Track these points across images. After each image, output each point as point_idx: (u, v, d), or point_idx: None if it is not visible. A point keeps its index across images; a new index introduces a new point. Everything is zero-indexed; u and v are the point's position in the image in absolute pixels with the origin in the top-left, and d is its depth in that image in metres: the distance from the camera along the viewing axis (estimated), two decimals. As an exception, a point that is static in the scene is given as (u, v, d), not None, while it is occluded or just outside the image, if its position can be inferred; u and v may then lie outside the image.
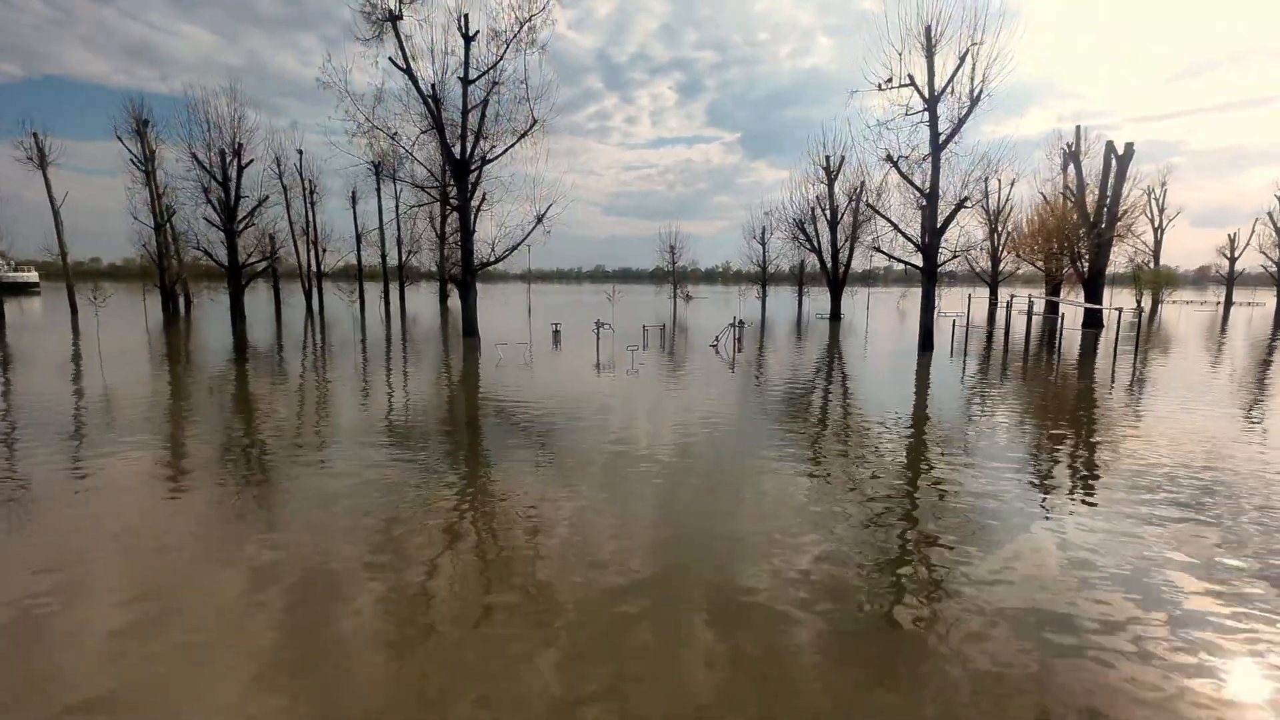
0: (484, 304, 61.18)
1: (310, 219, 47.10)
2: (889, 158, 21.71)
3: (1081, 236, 31.87)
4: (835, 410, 12.75)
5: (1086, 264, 31.95)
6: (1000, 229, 38.41)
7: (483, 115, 23.85)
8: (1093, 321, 31.15)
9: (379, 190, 46.58)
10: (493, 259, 25.75)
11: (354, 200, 49.85)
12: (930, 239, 21.79)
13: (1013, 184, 39.30)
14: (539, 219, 25.05)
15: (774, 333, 29.04)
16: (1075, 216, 32.06)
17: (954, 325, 25.85)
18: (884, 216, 22.52)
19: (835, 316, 35.65)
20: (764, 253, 50.30)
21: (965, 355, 20.82)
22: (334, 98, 23.32)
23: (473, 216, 25.28)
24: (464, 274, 25.00)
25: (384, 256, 49.64)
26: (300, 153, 46.47)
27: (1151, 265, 53.87)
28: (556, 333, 23.84)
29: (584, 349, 21.11)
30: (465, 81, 23.49)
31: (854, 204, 34.84)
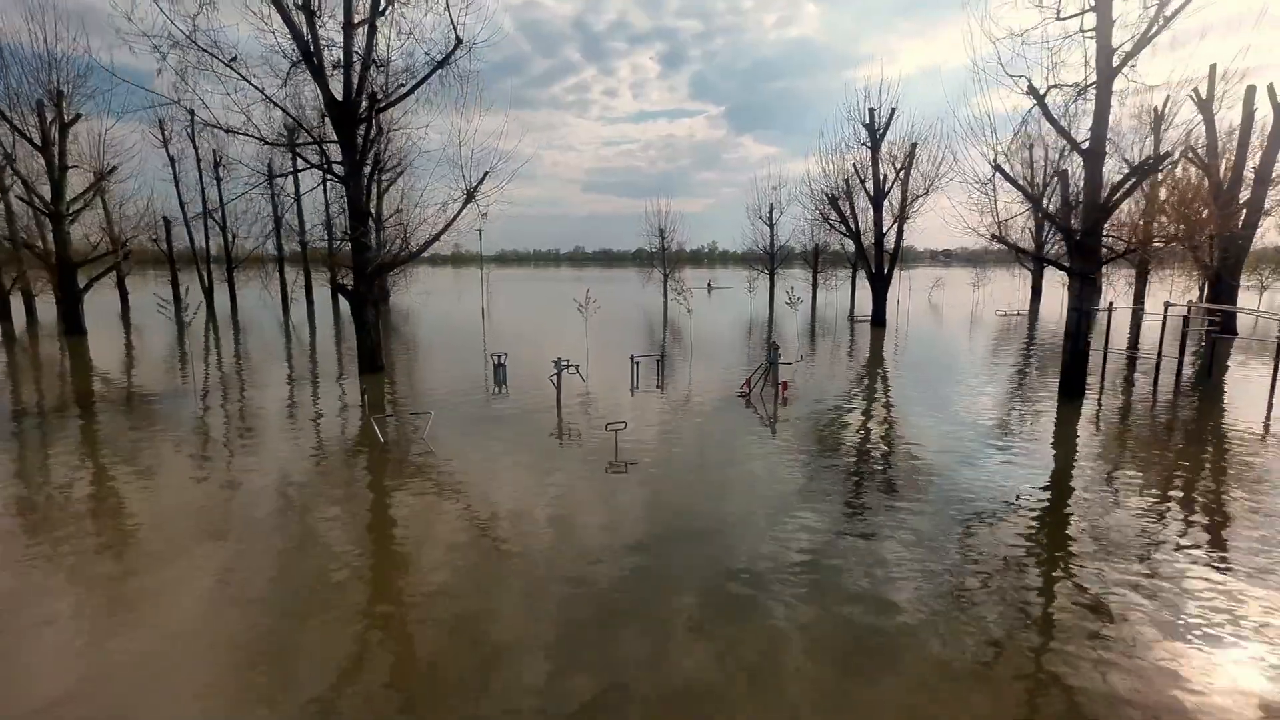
0: (436, 299, 52.09)
1: (204, 197, 37.75)
2: (1032, 90, 13.32)
3: (1212, 213, 23.80)
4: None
5: (1216, 250, 23.99)
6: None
7: (370, 27, 15.04)
8: (1224, 327, 23.34)
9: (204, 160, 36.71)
10: (405, 253, 17.11)
11: (270, 174, 40.34)
12: (1088, 222, 13.56)
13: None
14: (469, 194, 16.39)
15: (811, 353, 20.74)
16: (1206, 185, 23.96)
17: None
18: (1020, 187, 14.12)
19: (879, 320, 27.41)
20: (771, 235, 41.97)
21: (1152, 411, 12.65)
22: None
23: (370, 192, 16.56)
24: (355, 279, 16.33)
25: (229, 243, 39.86)
26: (191, 114, 36.76)
27: None
28: (499, 369, 15.41)
29: (535, 410, 12.67)
30: (340, -30, 14.69)
31: (903, 173, 26.47)
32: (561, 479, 8.84)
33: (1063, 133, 13.49)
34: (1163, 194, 26.88)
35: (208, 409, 13.21)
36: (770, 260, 41.64)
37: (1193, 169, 24.23)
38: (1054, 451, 10.26)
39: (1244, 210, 23.33)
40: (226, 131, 15.89)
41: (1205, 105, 23.89)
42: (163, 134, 36.44)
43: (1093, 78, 13.03)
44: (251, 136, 15.61)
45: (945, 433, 11.19)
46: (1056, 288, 49.18)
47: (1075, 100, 13.51)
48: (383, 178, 39.78)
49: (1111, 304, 17.09)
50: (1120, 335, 23.81)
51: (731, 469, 9.26)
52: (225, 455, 10.01)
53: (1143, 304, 27.51)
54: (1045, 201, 13.81)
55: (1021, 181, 14.11)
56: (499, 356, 15.69)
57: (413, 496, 8.23)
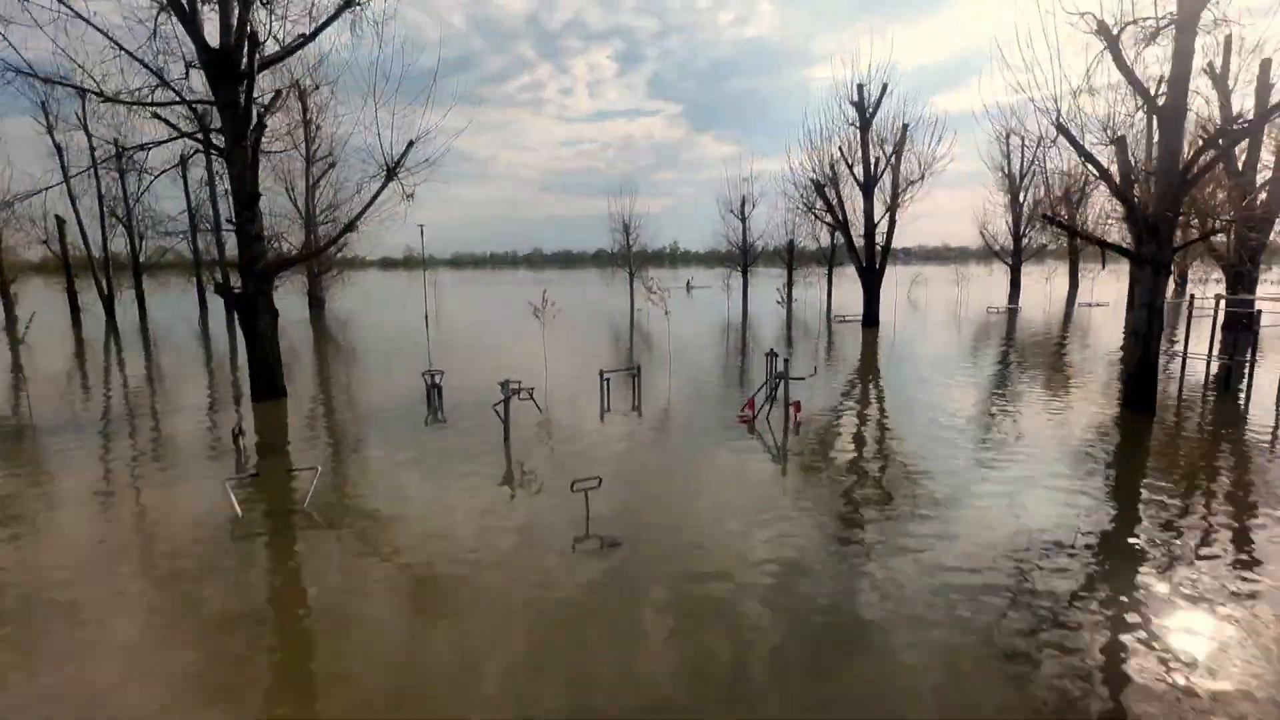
0: (382, 304, 46.74)
1: (105, 192, 33.08)
2: (1102, 28, 10.61)
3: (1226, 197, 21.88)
4: None
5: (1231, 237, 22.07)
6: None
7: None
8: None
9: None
10: (305, 250, 13.49)
11: (184, 165, 35.77)
12: (1164, 198, 10.94)
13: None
14: (390, 171, 12.91)
15: (827, 360, 17.89)
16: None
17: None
18: (1084, 154, 11.36)
19: (871, 320, 24.80)
20: (744, 230, 39.27)
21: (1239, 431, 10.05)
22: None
23: (257, 169, 12.97)
24: (242, 279, 12.69)
25: (136, 244, 35.44)
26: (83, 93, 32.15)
27: None
28: (433, 391, 12.01)
29: (479, 450, 9.33)
30: None
31: (894, 158, 23.96)
32: (499, 580, 5.59)
33: (1136, 84, 10.83)
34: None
35: None
36: (744, 257, 38.90)
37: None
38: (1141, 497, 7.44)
39: (1263, 194, 21.41)
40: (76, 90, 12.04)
41: (1220, 80, 21.93)
42: (46, 119, 31.60)
43: (1169, 6, 10.39)
44: (89, 91, 11.82)
45: (1015, 477, 8.28)
46: (1038, 282, 47.84)
47: (1146, 44, 10.88)
48: (312, 169, 35.86)
49: (1193, 296, 14.58)
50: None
51: (758, 540, 6.16)
52: (-27, 553, 6.42)
53: (1184, 296, 25.33)
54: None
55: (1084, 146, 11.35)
56: (433, 376, 12.30)
57: (251, 630, 4.86)
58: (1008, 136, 40.20)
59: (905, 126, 23.78)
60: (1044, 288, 44.98)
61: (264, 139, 12.89)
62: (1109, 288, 40.07)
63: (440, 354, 18.98)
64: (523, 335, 22.31)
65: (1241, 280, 22.54)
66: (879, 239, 24.59)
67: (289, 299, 46.29)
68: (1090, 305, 33.35)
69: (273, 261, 13.10)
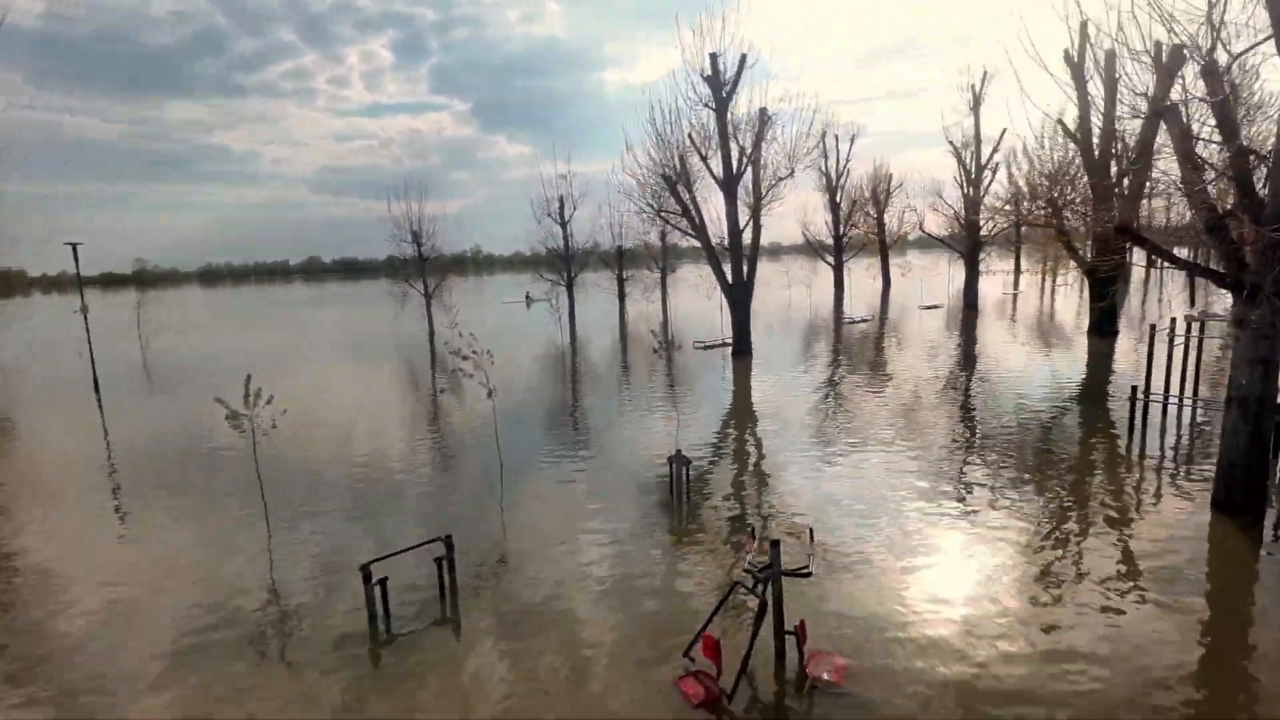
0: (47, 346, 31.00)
1: None
2: None
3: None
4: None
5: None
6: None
7: None
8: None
9: None
10: None
11: None
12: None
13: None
14: None
15: (816, 550, 12.36)
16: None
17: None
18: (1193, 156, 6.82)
19: (742, 350, 20.11)
20: (565, 235, 33.20)
21: None
22: None
23: None
24: None
25: None
26: None
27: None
28: None
29: None
30: None
31: (755, 148, 19.43)
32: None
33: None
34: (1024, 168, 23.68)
35: None
36: (568, 267, 32.83)
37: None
38: None
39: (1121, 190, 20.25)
40: None
41: (1076, 68, 20.46)
42: None
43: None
44: None
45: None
46: (858, 279, 47.81)
47: None
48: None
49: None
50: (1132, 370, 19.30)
51: None
52: None
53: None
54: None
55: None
56: None
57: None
58: (823, 134, 38.87)
59: (763, 111, 19.34)
60: (871, 287, 44.86)
61: None
62: (922, 285, 40.44)
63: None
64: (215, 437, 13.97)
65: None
66: (745, 245, 19.95)
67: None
68: (927, 308, 32.35)
69: None
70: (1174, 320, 12.34)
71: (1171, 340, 12.14)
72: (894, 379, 16.56)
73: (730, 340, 20.99)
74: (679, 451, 9.46)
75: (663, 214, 20.74)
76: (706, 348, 22.38)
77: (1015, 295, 37.49)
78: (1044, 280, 42.26)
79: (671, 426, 12.21)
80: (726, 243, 19.87)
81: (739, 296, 19.96)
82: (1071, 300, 34.03)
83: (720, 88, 18.78)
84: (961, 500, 8.66)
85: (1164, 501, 8.60)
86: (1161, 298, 32.03)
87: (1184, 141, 7.81)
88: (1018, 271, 42.32)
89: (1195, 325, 12.73)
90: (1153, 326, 11.98)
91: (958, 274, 44.63)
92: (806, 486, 9.48)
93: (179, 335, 32.69)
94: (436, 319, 28.49)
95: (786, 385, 16.22)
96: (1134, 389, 11.55)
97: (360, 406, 16.27)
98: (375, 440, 12.99)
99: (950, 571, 6.86)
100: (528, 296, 41.35)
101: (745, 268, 19.94)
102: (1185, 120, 7.86)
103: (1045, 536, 7.57)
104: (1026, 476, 9.48)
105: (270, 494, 8.81)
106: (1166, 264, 8.26)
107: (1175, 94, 8.12)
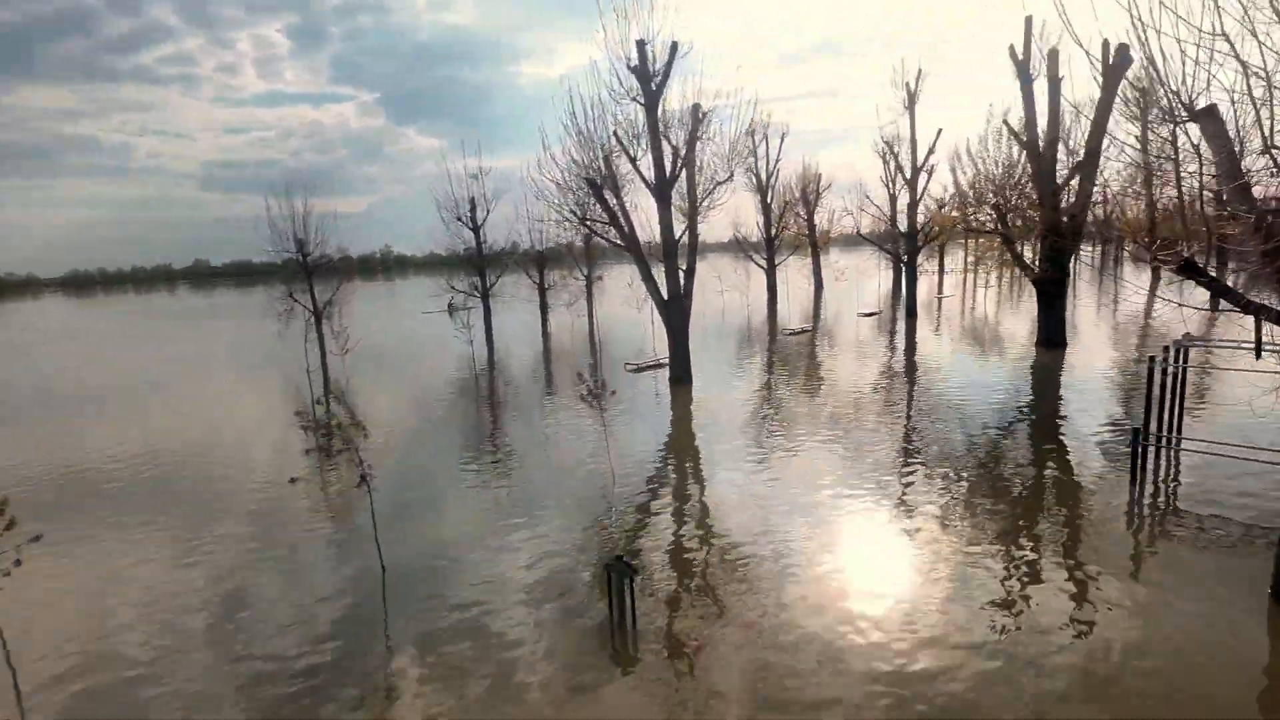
0: None
1: None
2: None
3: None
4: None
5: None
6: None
7: None
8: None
9: None
10: None
11: None
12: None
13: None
14: None
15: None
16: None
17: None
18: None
19: (681, 374, 17.90)
20: (479, 240, 30.03)
21: None
22: None
23: None
24: None
25: None
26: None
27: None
28: None
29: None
30: None
31: (688, 147, 17.24)
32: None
33: None
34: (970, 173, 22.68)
35: None
36: (482, 278, 29.68)
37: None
38: None
39: (1067, 193, 19.47)
40: None
41: (1022, 67, 19.45)
42: None
43: None
44: None
45: None
46: (786, 282, 46.62)
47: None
48: None
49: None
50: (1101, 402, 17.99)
51: None
52: None
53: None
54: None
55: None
56: None
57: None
58: (751, 130, 37.40)
59: (697, 107, 17.15)
60: (804, 290, 43.73)
61: None
62: (856, 289, 39.71)
63: None
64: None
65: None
66: (682, 250, 17.72)
67: None
68: (865, 315, 31.27)
69: None
70: (1167, 348, 11.04)
71: (1165, 369, 10.85)
72: (878, 433, 12.95)
73: (665, 360, 18.77)
74: (619, 557, 7.06)
75: (588, 222, 18.18)
76: (639, 369, 20.03)
77: (940, 299, 37.24)
78: (965, 281, 42.72)
79: (606, 504, 9.73)
80: (661, 254, 17.59)
81: (676, 315, 17.70)
82: (1003, 302, 34.02)
83: (649, 79, 16.42)
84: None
85: (1205, 587, 6.93)
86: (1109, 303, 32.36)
87: (1226, 144, 6.11)
88: (942, 273, 42.47)
89: (1182, 352, 11.52)
90: (1151, 358, 10.58)
91: (886, 275, 44.61)
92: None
93: None
94: (329, 342, 24.66)
95: (740, 432, 13.78)
96: (1135, 431, 10.11)
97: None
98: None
99: None
100: (451, 305, 37.26)
101: (683, 280, 17.72)
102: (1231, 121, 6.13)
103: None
104: (1060, 561, 7.66)
105: None
106: (1232, 308, 6.56)
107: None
